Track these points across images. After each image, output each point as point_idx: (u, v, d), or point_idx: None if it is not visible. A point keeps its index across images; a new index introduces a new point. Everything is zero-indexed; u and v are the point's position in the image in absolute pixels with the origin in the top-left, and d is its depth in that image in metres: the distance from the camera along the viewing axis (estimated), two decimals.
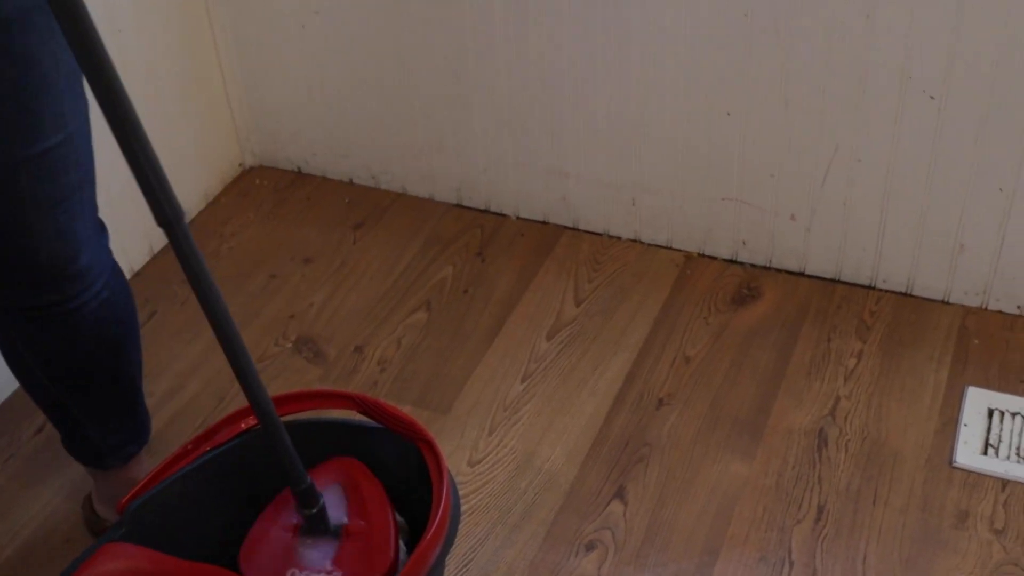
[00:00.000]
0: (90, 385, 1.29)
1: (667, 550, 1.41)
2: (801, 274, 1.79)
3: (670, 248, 1.86)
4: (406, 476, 1.25)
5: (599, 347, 1.68)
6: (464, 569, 1.40)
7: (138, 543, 1.13)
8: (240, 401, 1.62)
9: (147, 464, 1.41)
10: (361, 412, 1.23)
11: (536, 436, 1.56)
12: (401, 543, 1.17)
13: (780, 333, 1.69)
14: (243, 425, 1.21)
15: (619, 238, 1.89)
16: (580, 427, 1.56)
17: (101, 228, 1.23)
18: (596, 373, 1.64)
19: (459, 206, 1.97)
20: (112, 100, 0.86)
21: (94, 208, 1.20)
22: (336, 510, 1.17)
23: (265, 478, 1.25)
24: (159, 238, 1.91)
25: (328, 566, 1.12)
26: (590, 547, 1.42)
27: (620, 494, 1.48)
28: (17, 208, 1.10)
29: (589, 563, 1.40)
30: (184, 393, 1.66)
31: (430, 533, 1.07)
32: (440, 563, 1.12)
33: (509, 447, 1.55)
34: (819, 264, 1.78)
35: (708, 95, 1.68)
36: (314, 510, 1.13)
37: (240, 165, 2.09)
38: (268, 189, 2.05)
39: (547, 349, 1.69)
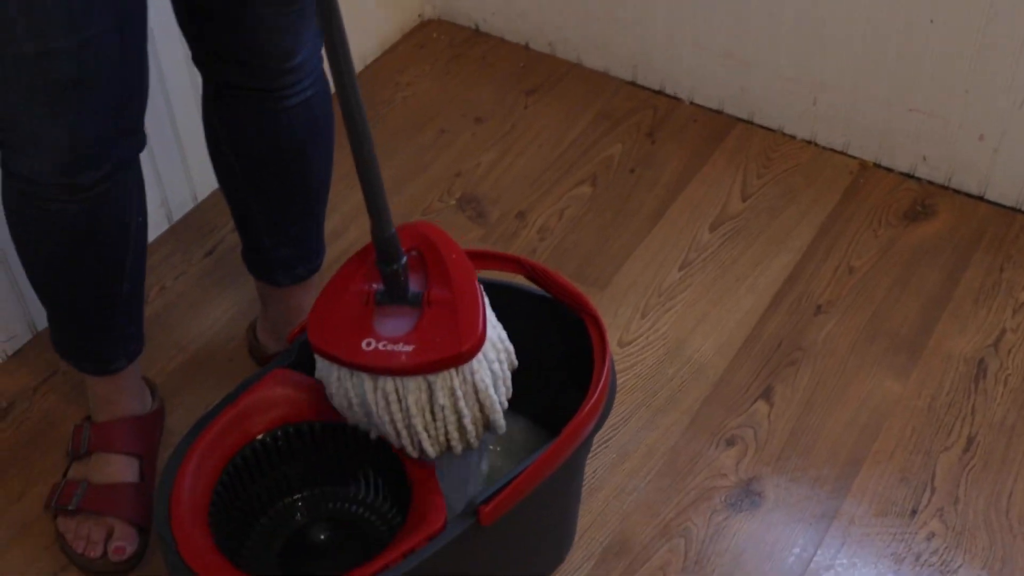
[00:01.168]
0: (275, 185, 1.32)
1: (808, 455, 1.41)
2: (980, 198, 1.72)
3: (845, 154, 1.80)
4: (562, 348, 1.26)
5: (762, 245, 1.66)
6: (604, 446, 1.42)
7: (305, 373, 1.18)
8: None
9: (314, 295, 1.44)
10: (527, 277, 1.24)
11: (689, 325, 1.56)
12: (491, 314, 1.07)
13: (951, 255, 1.64)
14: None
15: (794, 137, 1.84)
16: (734, 322, 1.56)
17: (319, 31, 1.24)
18: (756, 271, 1.62)
19: (633, 84, 1.94)
20: None
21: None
22: (416, 277, 1.06)
23: None
24: None
25: (407, 336, 1.02)
26: (731, 442, 1.42)
27: (767, 394, 1.47)
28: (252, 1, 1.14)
29: (728, 457, 1.41)
30: (348, 235, 1.70)
31: (588, 406, 1.09)
32: (590, 439, 1.14)
33: (661, 332, 1.55)
34: (1001, 190, 1.71)
35: None
36: (395, 266, 1.03)
37: (419, 16, 2.08)
38: (444, 43, 2.04)
39: (709, 240, 1.67)
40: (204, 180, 1.70)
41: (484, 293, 1.07)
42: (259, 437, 1.13)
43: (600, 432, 1.38)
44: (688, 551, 1.32)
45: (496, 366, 1.07)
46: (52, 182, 1.12)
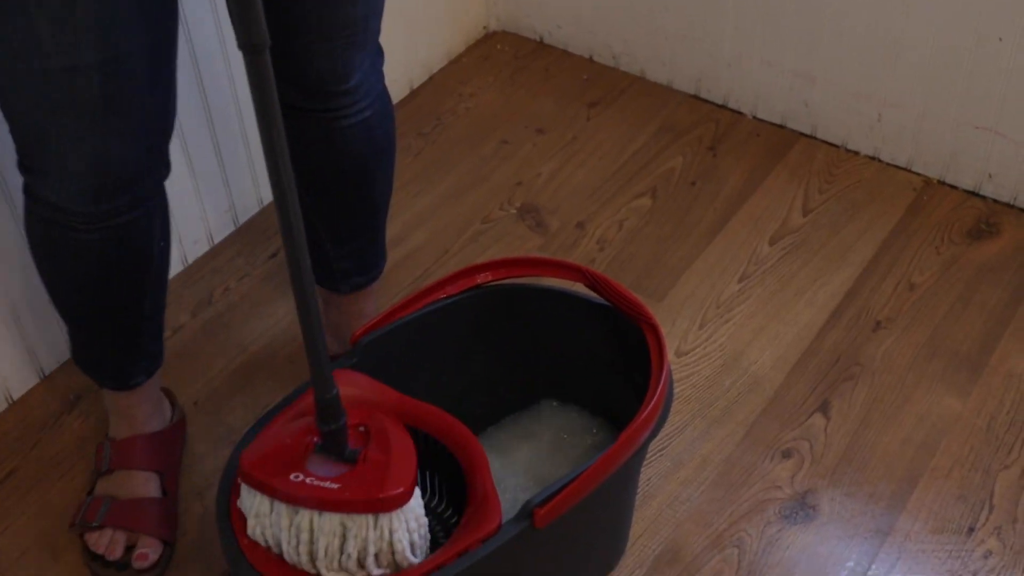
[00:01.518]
0: (336, 200, 1.33)
1: (865, 471, 1.40)
2: None
3: (909, 170, 1.79)
4: (620, 356, 1.27)
5: (822, 260, 1.66)
6: (659, 455, 1.43)
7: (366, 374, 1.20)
8: (464, 258, 1.68)
9: (374, 301, 1.47)
10: (587, 286, 1.26)
11: (746, 337, 1.56)
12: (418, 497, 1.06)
13: (1015, 275, 1.62)
14: (478, 279, 1.25)
15: (857, 153, 1.83)
16: (792, 335, 1.55)
17: (378, 52, 1.27)
18: (815, 285, 1.62)
19: (696, 97, 1.95)
20: None
21: (375, 37, 1.24)
22: (358, 439, 1.07)
23: (486, 336, 1.30)
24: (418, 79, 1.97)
25: (335, 478, 1.02)
26: (787, 454, 1.42)
27: (824, 408, 1.47)
28: (298, 31, 1.14)
29: (784, 470, 1.41)
30: (408, 243, 1.72)
31: (644, 414, 1.09)
32: (646, 446, 1.14)
33: (718, 344, 1.55)
34: None
35: (980, 15, 1.59)
36: (334, 426, 1.03)
37: (484, 28, 2.11)
38: (509, 55, 2.06)
39: (768, 253, 1.67)
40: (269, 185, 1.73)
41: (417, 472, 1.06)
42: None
43: (655, 440, 1.39)
44: (741, 562, 1.32)
45: (416, 536, 1.05)
46: (77, 209, 1.11)
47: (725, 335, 1.56)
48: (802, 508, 1.37)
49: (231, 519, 1.07)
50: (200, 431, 1.50)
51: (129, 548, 1.31)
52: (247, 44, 0.86)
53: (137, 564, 1.30)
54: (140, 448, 1.36)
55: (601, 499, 1.12)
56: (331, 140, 1.26)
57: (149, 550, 1.30)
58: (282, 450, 1.05)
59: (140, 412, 1.36)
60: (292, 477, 1.02)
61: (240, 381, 1.55)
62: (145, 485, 1.34)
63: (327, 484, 1.02)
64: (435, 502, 1.21)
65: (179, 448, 1.43)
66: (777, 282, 1.63)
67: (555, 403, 1.38)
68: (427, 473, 1.21)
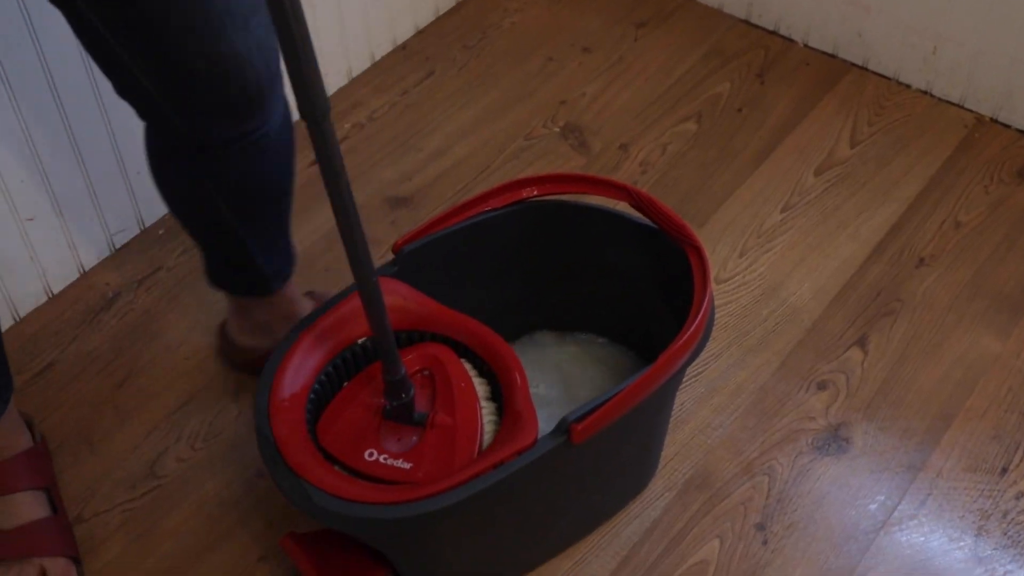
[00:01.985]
0: (267, 209, 1.24)
1: (900, 406, 1.39)
2: None
3: (961, 107, 1.76)
4: (660, 278, 1.27)
5: (867, 193, 1.63)
6: (694, 380, 1.43)
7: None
8: (505, 174, 1.67)
9: (295, 285, 1.38)
10: (632, 205, 1.24)
11: (786, 268, 1.54)
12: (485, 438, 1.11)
13: None
14: (524, 194, 1.24)
15: (908, 86, 1.79)
16: (833, 268, 1.54)
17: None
18: (859, 219, 1.60)
19: (747, 22, 1.91)
20: None
21: None
22: (424, 394, 1.14)
23: (527, 253, 1.29)
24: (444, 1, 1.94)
25: (407, 453, 1.09)
26: (822, 386, 1.42)
27: (862, 342, 1.46)
28: (210, 18, 0.98)
29: (818, 401, 1.40)
30: (450, 155, 1.71)
31: (685, 336, 1.09)
32: (684, 369, 1.14)
33: (757, 273, 1.54)
34: None
35: None
36: (403, 399, 1.10)
37: None
38: None
39: (813, 184, 1.65)
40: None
41: (482, 418, 1.12)
42: (359, 341, 1.16)
43: (691, 366, 1.39)
44: (771, 490, 1.32)
45: None
46: None
47: (765, 264, 1.55)
48: (835, 440, 1.37)
49: (270, 423, 1.07)
50: None
51: None
52: (311, 114, 0.87)
53: None
54: (21, 466, 1.26)
55: (637, 419, 1.11)
56: (263, 152, 1.15)
57: (63, 574, 1.23)
58: (355, 420, 1.11)
59: (7, 437, 1.27)
60: (367, 455, 1.08)
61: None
62: (33, 506, 1.25)
63: (401, 463, 1.08)
64: None
65: (51, 464, 1.33)
66: (820, 214, 1.61)
67: (589, 326, 1.38)
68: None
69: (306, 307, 1.38)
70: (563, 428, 1.03)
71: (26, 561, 1.21)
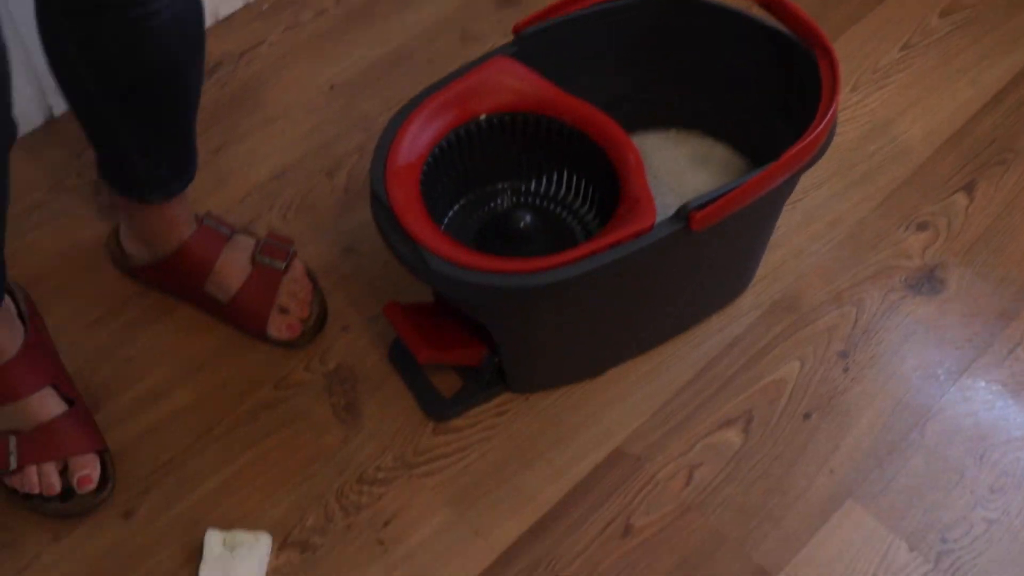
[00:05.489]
0: (144, 107, 1.13)
1: (999, 255, 1.37)
2: None
3: None
4: (780, 83, 1.23)
5: (993, 40, 1.57)
6: (793, 206, 1.40)
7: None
8: None
9: (187, 205, 1.27)
10: (761, 5, 1.20)
11: (899, 106, 1.50)
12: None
13: None
14: None
15: None
16: (948, 111, 1.50)
17: None
18: (981, 65, 1.55)
19: None
20: None
21: None
22: None
23: (647, 49, 1.26)
24: None
25: None
26: (922, 227, 1.39)
27: (969, 188, 1.42)
28: None
29: (916, 241, 1.38)
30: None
31: (808, 138, 1.06)
32: (799, 174, 1.11)
33: (869, 108, 1.50)
34: None
35: None
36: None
37: None
38: None
39: (937, 25, 1.59)
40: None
41: None
42: (481, 117, 1.14)
43: (791, 193, 1.36)
44: (858, 320, 1.31)
45: None
46: None
47: (877, 101, 1.51)
48: (929, 280, 1.35)
49: (385, 186, 1.06)
50: (334, 115, 1.49)
51: (62, 472, 1.17)
52: None
53: (85, 489, 1.16)
54: (20, 369, 1.17)
55: (749, 218, 1.10)
56: (141, 38, 1.05)
57: (88, 471, 1.17)
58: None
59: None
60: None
61: (377, 72, 1.53)
62: (46, 405, 1.18)
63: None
64: (577, 203, 1.21)
65: (52, 345, 1.26)
66: (941, 56, 1.56)
67: (700, 128, 1.35)
68: (577, 176, 1.20)
69: (190, 233, 1.26)
70: (683, 215, 1.02)
71: (45, 463, 1.16)
